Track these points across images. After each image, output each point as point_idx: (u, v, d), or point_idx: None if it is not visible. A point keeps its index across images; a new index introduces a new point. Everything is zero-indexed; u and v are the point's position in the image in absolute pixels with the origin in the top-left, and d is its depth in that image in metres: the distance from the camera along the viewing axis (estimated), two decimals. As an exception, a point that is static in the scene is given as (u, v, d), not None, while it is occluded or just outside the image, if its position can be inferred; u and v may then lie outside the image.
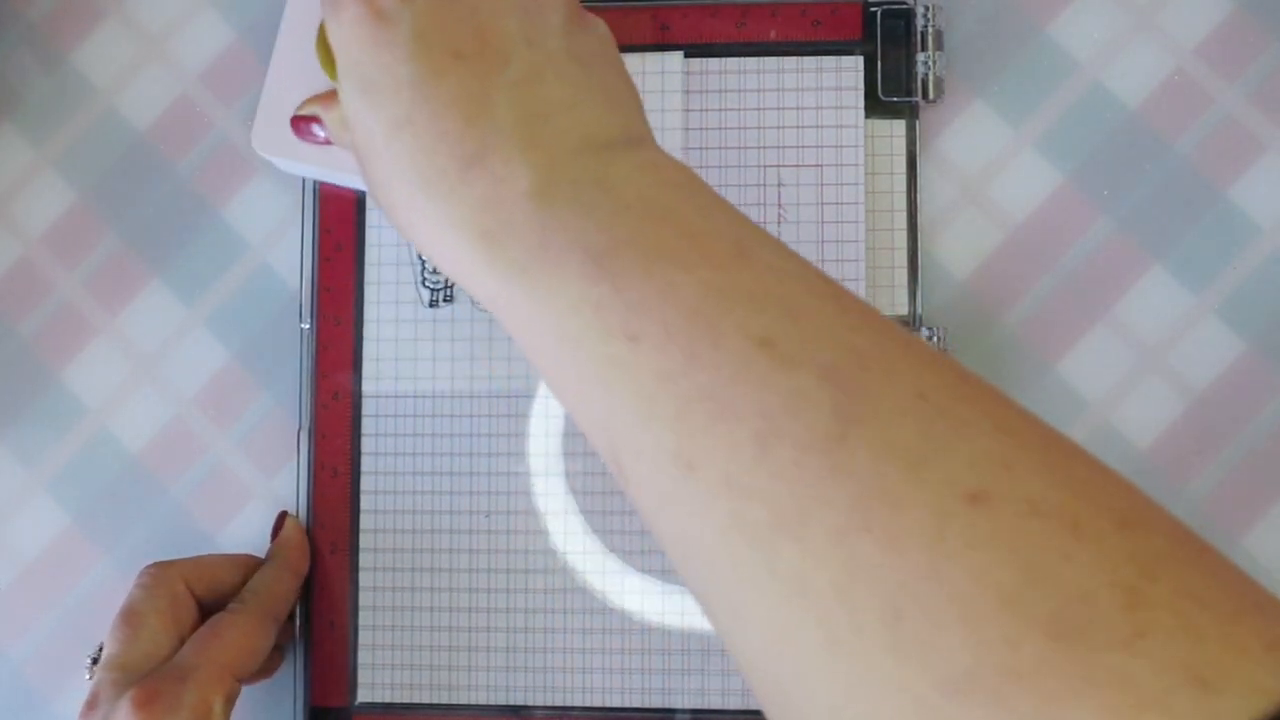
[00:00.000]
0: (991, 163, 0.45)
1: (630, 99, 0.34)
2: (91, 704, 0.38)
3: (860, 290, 0.44)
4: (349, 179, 0.44)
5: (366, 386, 0.45)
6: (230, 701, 0.39)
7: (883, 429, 0.24)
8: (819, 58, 0.45)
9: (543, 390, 0.45)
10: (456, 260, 0.31)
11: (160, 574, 0.41)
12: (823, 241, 0.44)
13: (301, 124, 0.40)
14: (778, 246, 0.29)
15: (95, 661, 0.40)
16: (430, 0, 0.32)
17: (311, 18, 0.41)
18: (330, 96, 0.39)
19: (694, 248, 0.28)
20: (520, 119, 0.31)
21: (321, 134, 0.40)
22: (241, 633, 0.40)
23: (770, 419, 0.25)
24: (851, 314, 0.27)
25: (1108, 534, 0.22)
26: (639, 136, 0.32)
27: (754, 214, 0.44)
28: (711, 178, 0.45)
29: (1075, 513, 0.22)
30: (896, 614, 0.22)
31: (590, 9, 0.45)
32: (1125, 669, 0.20)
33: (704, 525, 0.25)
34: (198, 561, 0.43)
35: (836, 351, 0.25)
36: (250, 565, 0.44)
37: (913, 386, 0.25)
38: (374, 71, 0.32)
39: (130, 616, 0.40)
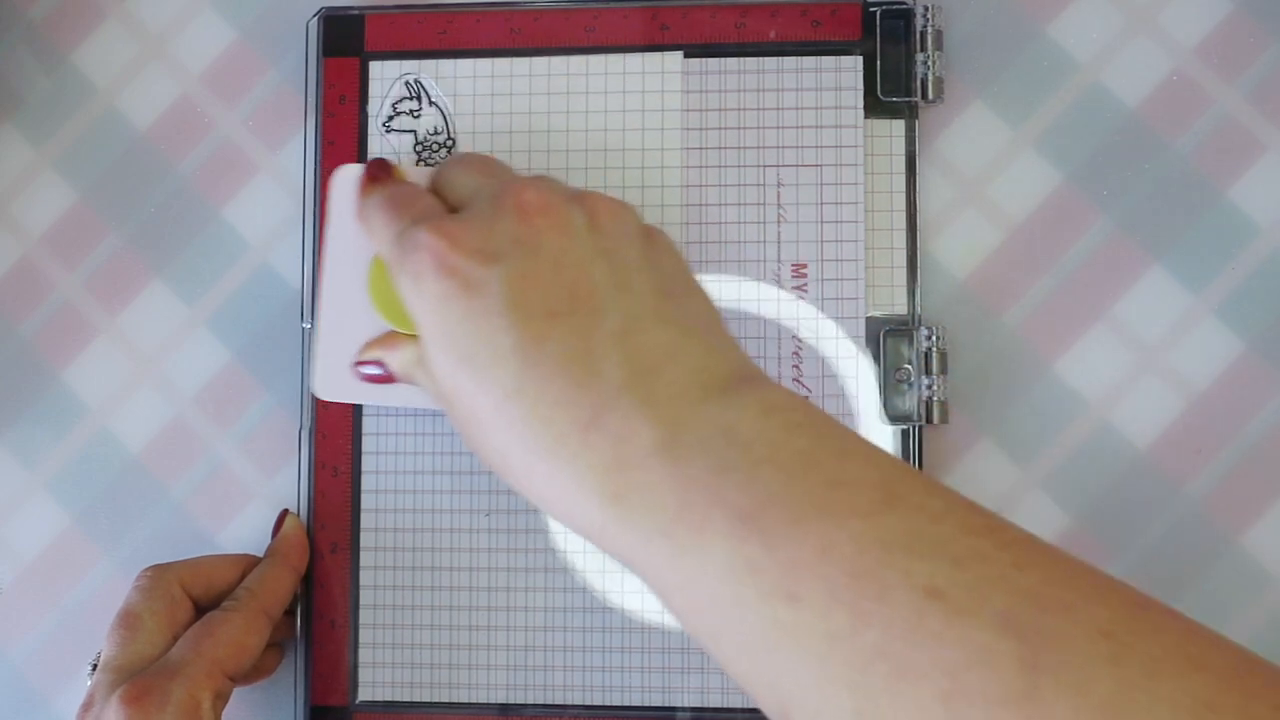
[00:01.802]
0: (991, 163, 0.45)
1: (722, 328, 0.33)
2: (87, 705, 0.38)
3: (859, 290, 0.44)
4: (416, 408, 0.43)
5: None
6: (221, 698, 0.39)
7: (1075, 679, 0.23)
8: (819, 58, 0.45)
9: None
10: (589, 522, 0.30)
11: (157, 576, 0.41)
12: (822, 241, 0.44)
13: (363, 366, 0.40)
14: (923, 482, 0.28)
15: (96, 668, 0.40)
16: (517, 262, 0.32)
17: (355, 255, 0.41)
18: (392, 340, 0.39)
19: (841, 497, 0.27)
20: (631, 374, 0.30)
21: (383, 374, 0.40)
22: (233, 629, 0.40)
23: (953, 677, 0.24)
24: (1015, 549, 0.26)
25: None
26: (748, 373, 0.32)
27: (753, 214, 0.44)
28: (711, 178, 0.45)
29: None
30: None
31: (590, 9, 0.45)
32: None
33: None
34: (195, 563, 0.43)
35: (1008, 596, 0.25)
36: (248, 564, 0.44)
37: (1095, 626, 0.24)
38: (472, 344, 0.31)
39: (127, 619, 0.40)
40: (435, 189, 0.39)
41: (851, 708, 0.25)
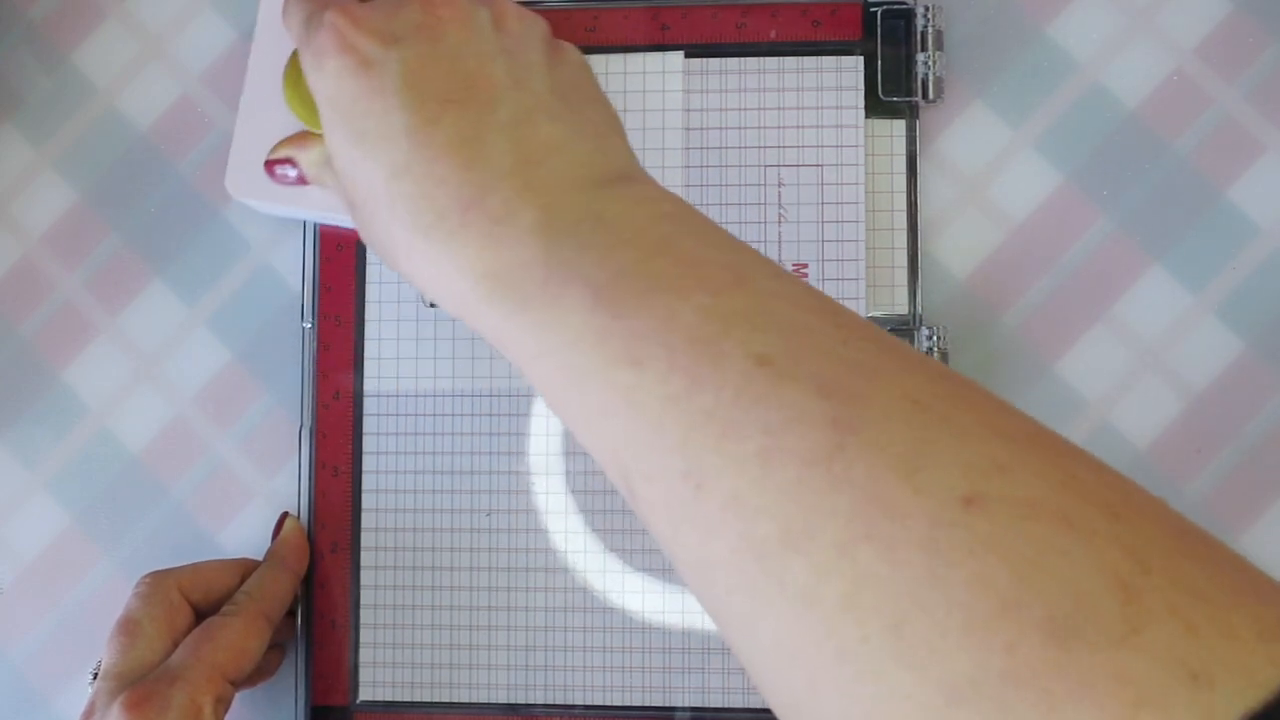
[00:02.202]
0: (991, 163, 0.45)
1: (616, 133, 0.34)
2: (88, 713, 0.38)
3: (860, 290, 0.44)
4: (323, 216, 0.44)
5: (368, 386, 0.45)
6: (222, 703, 0.39)
7: (878, 437, 0.24)
8: (819, 58, 0.45)
9: (543, 390, 0.45)
10: (460, 300, 0.31)
11: (156, 583, 0.41)
12: (823, 241, 0.44)
13: (275, 166, 0.41)
14: (774, 270, 0.29)
15: (96, 676, 0.40)
16: (416, 47, 0.32)
17: (277, 59, 0.41)
18: (304, 138, 0.40)
19: (692, 275, 0.28)
20: (516, 162, 0.31)
21: (294, 175, 0.40)
22: (234, 634, 0.40)
23: (773, 435, 0.25)
24: (845, 328, 0.27)
25: (1099, 527, 0.22)
26: (630, 172, 0.33)
27: (754, 214, 0.44)
28: (711, 178, 0.45)
29: (1068, 509, 0.23)
30: (900, 623, 0.22)
31: (590, 9, 0.45)
32: (1121, 667, 0.20)
33: (715, 544, 0.26)
34: (194, 569, 0.43)
35: (831, 363, 0.26)
36: (247, 568, 0.44)
37: (905, 392, 0.25)
38: (366, 121, 0.32)
39: (127, 626, 0.40)
40: None
41: (682, 467, 0.26)
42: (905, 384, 0.25)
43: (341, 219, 0.43)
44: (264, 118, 0.41)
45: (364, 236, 0.35)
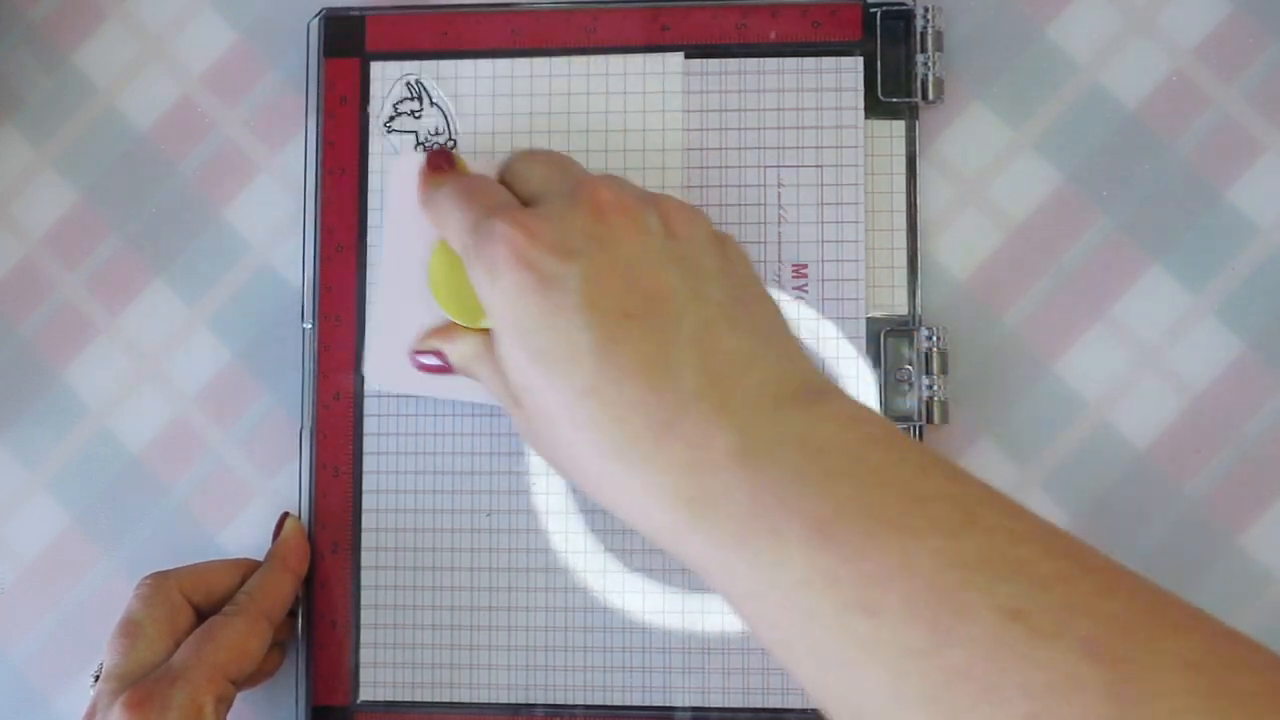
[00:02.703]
0: (991, 163, 0.45)
1: (791, 336, 0.33)
2: (90, 714, 0.38)
3: (860, 291, 0.44)
4: (470, 397, 0.42)
5: (368, 386, 0.45)
6: (224, 703, 0.39)
7: (1166, 711, 0.23)
8: (819, 58, 0.45)
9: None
10: (659, 526, 0.30)
11: (157, 584, 0.41)
12: (822, 241, 0.44)
13: (421, 356, 0.40)
14: (1005, 505, 0.28)
15: (98, 678, 0.40)
16: (594, 260, 0.31)
17: (414, 244, 0.40)
18: (452, 331, 0.39)
19: (920, 514, 0.27)
20: (706, 380, 0.30)
21: (440, 363, 0.39)
22: (235, 634, 0.40)
23: (1038, 700, 0.23)
24: (1096, 574, 0.26)
25: None
26: (819, 384, 0.32)
27: (754, 214, 0.44)
28: (711, 178, 0.45)
29: None
30: None
31: (590, 10, 0.45)
32: None
33: None
34: (195, 569, 0.43)
35: (1093, 621, 0.24)
36: (248, 569, 0.44)
37: (1181, 657, 0.24)
38: (547, 339, 0.31)
39: (128, 627, 0.40)
40: (505, 181, 0.39)
41: None
42: (1176, 645, 0.24)
43: (489, 400, 0.41)
44: (401, 304, 0.40)
45: (535, 447, 0.34)
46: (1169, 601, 0.26)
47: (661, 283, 0.32)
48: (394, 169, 0.42)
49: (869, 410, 0.31)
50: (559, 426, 0.31)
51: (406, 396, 0.45)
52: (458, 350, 0.38)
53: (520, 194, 0.37)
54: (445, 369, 0.39)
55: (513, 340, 0.32)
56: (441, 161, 0.40)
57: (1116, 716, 0.23)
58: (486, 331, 0.38)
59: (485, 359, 0.36)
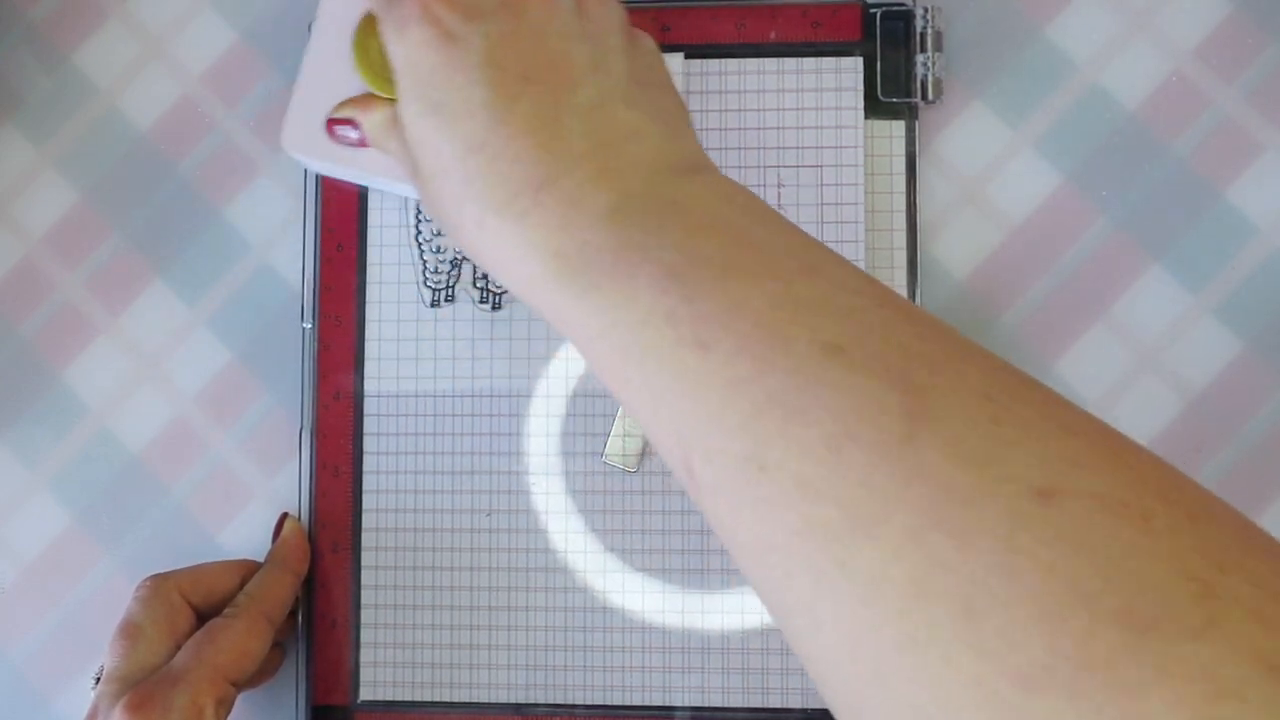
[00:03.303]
0: (990, 163, 0.45)
1: (685, 123, 0.34)
2: (91, 717, 0.38)
3: (860, 290, 0.44)
4: (376, 180, 0.44)
5: (368, 386, 0.45)
6: (224, 704, 0.39)
7: (952, 430, 0.24)
8: (819, 59, 0.45)
9: (543, 390, 0.45)
10: (528, 279, 0.31)
11: (157, 586, 0.41)
12: (822, 241, 0.44)
13: (336, 126, 0.40)
14: (845, 264, 0.29)
15: (99, 680, 0.40)
16: (500, 23, 0.32)
17: (347, 18, 0.41)
18: (368, 100, 0.39)
19: (764, 263, 0.28)
20: (592, 146, 0.31)
21: (355, 136, 0.40)
22: (235, 636, 0.40)
23: (842, 421, 0.25)
24: (919, 324, 0.27)
25: (1178, 527, 0.22)
26: (701, 162, 0.33)
27: (754, 214, 0.44)
28: (712, 178, 0.45)
29: (1145, 506, 0.23)
30: (972, 610, 0.22)
31: (591, 10, 0.45)
32: (1199, 659, 0.20)
33: (777, 527, 0.26)
34: (194, 571, 0.43)
35: (904, 356, 0.26)
36: (248, 570, 0.44)
37: (979, 388, 0.25)
38: (445, 93, 0.32)
39: (128, 629, 0.40)
40: None
41: (746, 450, 0.26)
42: (977, 379, 0.26)
43: (396, 185, 0.43)
44: (328, 76, 0.41)
45: (427, 207, 0.35)
46: (976, 346, 0.27)
47: (564, 52, 0.33)
48: None
49: (741, 187, 0.32)
50: (447, 180, 0.32)
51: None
52: (371, 118, 0.39)
53: None
54: (360, 143, 0.40)
55: (413, 95, 0.33)
56: None
57: (908, 432, 0.24)
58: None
59: (397, 131, 0.37)
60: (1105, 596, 0.21)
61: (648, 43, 0.36)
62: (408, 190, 0.43)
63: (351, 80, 0.40)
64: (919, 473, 0.24)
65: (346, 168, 0.42)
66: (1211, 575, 0.21)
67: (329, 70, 0.41)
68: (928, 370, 0.26)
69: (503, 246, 0.31)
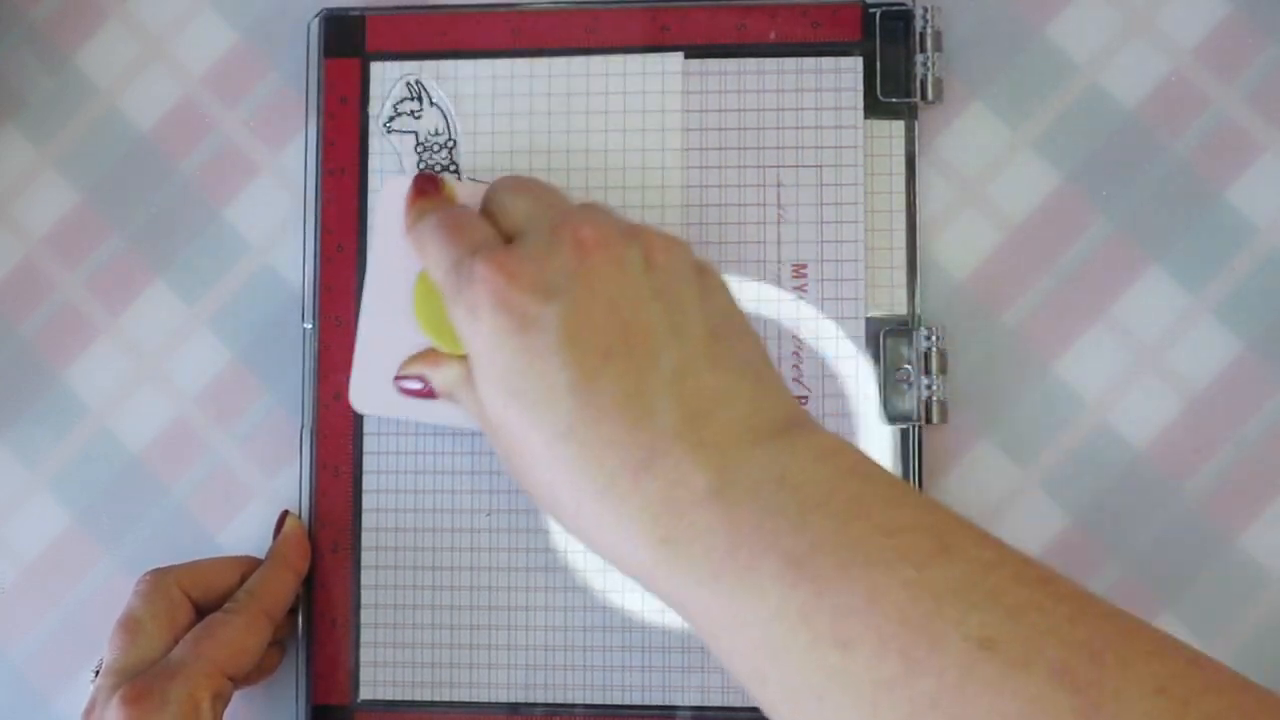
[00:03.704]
0: (990, 163, 0.45)
1: (772, 371, 0.33)
2: (89, 709, 0.38)
3: (859, 291, 0.44)
4: (455, 423, 0.42)
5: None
6: (221, 699, 0.39)
7: None
8: (818, 58, 0.45)
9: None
10: (636, 564, 0.30)
11: (157, 580, 0.41)
12: (822, 242, 0.44)
13: (404, 380, 0.40)
14: (974, 533, 0.28)
15: (98, 674, 0.40)
16: (573, 299, 0.32)
17: (400, 268, 0.40)
18: (435, 357, 0.39)
19: (893, 545, 0.27)
20: (683, 419, 0.30)
21: (424, 388, 0.39)
22: (234, 631, 0.40)
23: None
24: (1068, 601, 0.26)
25: None
26: (797, 417, 0.32)
27: (753, 214, 0.44)
28: (711, 178, 0.45)
29: None
30: None
31: (590, 10, 0.45)
32: None
33: None
34: (195, 566, 0.43)
35: (1062, 648, 0.25)
36: (248, 566, 0.44)
37: (1151, 682, 0.24)
38: (525, 380, 0.31)
39: (127, 624, 0.40)
40: (486, 212, 0.38)
41: None
42: (1146, 669, 0.24)
43: (473, 425, 0.41)
44: (387, 328, 0.40)
45: (514, 476, 0.34)
46: (1138, 627, 0.26)
47: (640, 320, 0.32)
48: (382, 190, 0.42)
49: (844, 442, 0.31)
50: (536, 464, 0.32)
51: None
52: (441, 376, 0.38)
53: (502, 227, 0.37)
54: (429, 393, 0.39)
55: (491, 381, 0.32)
56: (428, 186, 0.40)
57: None
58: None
59: (467, 386, 0.36)
60: None
61: (718, 280, 0.35)
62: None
63: (412, 329, 0.39)
64: None
65: (422, 415, 0.41)
66: None
67: (388, 322, 0.40)
68: (1091, 663, 0.24)
69: (606, 532, 0.30)
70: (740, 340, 0.34)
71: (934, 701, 0.24)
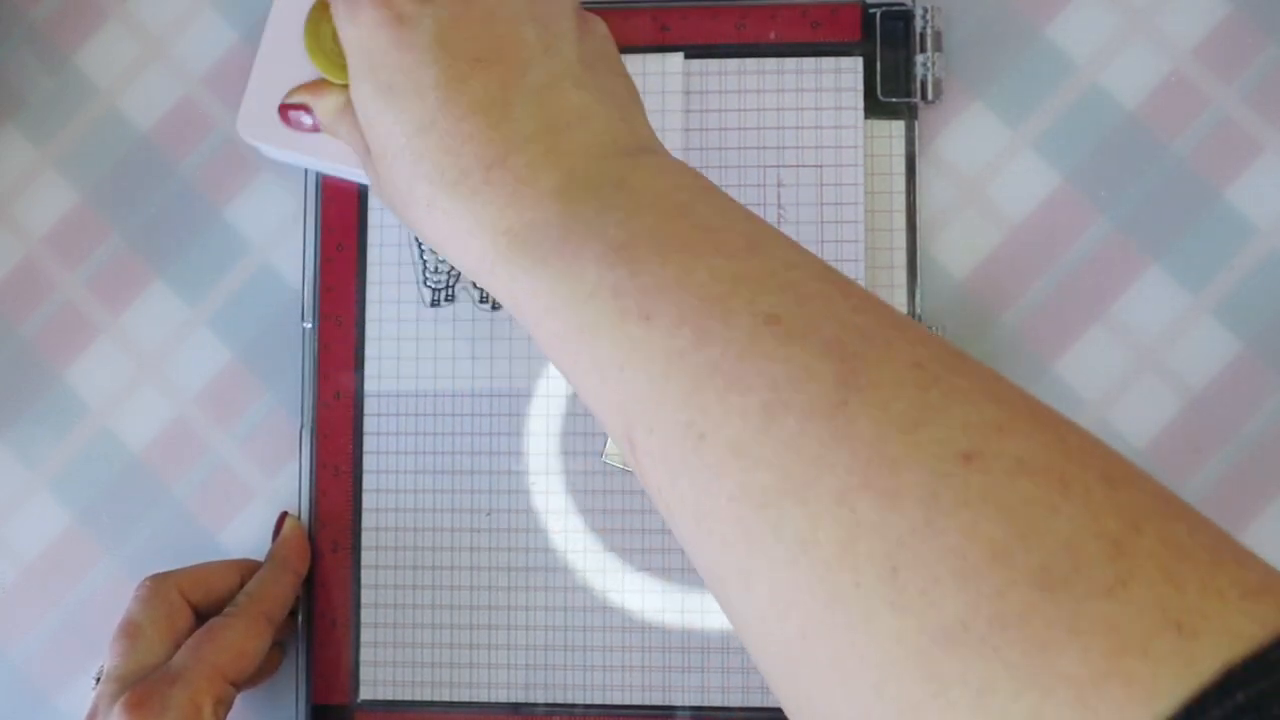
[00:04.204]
0: (990, 163, 0.45)
1: (636, 105, 0.35)
2: (91, 716, 0.38)
3: (860, 290, 0.44)
4: (331, 166, 0.44)
5: (368, 386, 0.45)
6: (223, 704, 0.39)
7: (881, 396, 0.25)
8: (818, 59, 0.45)
9: (543, 389, 0.45)
10: (476, 256, 0.32)
11: (156, 586, 0.41)
12: (822, 241, 0.44)
13: (289, 111, 0.41)
14: (788, 241, 0.30)
15: (99, 680, 0.40)
16: (450, 5, 0.33)
17: (301, 6, 0.41)
18: (320, 85, 0.40)
19: (708, 240, 0.29)
20: (541, 127, 0.32)
21: (309, 121, 0.40)
22: (235, 635, 0.40)
23: (777, 390, 0.26)
24: (854, 297, 0.28)
25: (1094, 490, 0.23)
26: (651, 144, 0.34)
27: (754, 214, 0.45)
28: (711, 178, 0.44)
29: (1063, 471, 0.23)
30: (894, 569, 0.23)
31: (591, 10, 0.45)
32: (1108, 615, 0.21)
33: (714, 494, 0.26)
34: (194, 570, 0.43)
35: (839, 327, 0.27)
36: (248, 569, 0.44)
37: (909, 357, 0.26)
38: (395, 74, 0.33)
39: (128, 629, 0.40)
40: None
41: (685, 419, 0.27)
42: (908, 349, 0.26)
43: (350, 171, 0.43)
44: (282, 63, 0.42)
45: (377, 189, 0.35)
46: (912, 321, 0.28)
47: (514, 34, 0.33)
48: None
49: (692, 169, 0.33)
50: (398, 160, 0.33)
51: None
52: (323, 104, 0.39)
53: None
54: (313, 128, 0.40)
55: (364, 77, 0.34)
56: None
57: (840, 401, 0.25)
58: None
59: (348, 114, 0.37)
60: (1022, 555, 0.22)
61: (599, 27, 0.36)
62: (360, 176, 0.43)
63: (306, 66, 0.40)
64: (848, 438, 0.25)
65: (301, 154, 0.42)
66: (1125, 536, 0.22)
67: (284, 56, 0.42)
68: (861, 339, 0.26)
69: (453, 225, 0.32)
70: (611, 75, 0.35)
71: (716, 367, 0.27)
